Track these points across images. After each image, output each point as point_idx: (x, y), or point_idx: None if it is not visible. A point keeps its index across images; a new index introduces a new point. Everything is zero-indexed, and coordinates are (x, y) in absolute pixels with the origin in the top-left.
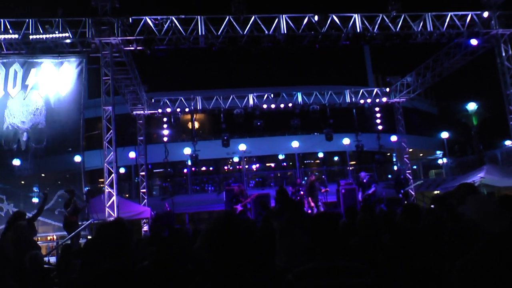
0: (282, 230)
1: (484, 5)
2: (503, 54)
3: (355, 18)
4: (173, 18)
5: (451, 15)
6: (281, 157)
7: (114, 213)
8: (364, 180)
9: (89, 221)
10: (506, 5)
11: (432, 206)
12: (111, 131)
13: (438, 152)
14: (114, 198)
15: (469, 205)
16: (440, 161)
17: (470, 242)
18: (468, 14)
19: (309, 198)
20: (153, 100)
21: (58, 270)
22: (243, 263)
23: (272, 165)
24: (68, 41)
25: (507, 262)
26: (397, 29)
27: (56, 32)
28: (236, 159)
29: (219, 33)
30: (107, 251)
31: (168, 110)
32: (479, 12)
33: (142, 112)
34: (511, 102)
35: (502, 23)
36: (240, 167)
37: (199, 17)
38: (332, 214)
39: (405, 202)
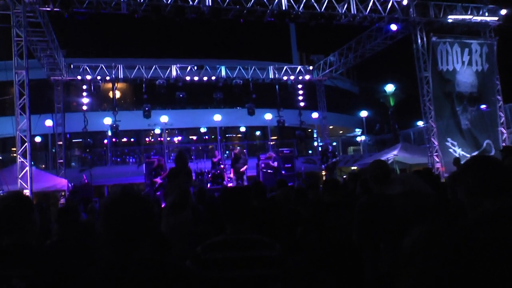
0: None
1: None
2: (419, 40)
3: None
4: None
5: (373, 0)
6: (203, 130)
7: (27, 185)
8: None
9: None
10: None
11: (342, 180)
12: (25, 96)
13: (357, 129)
14: (27, 168)
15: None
16: (358, 139)
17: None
18: (389, 1)
19: (232, 170)
20: (72, 66)
21: None
22: (140, 240)
23: (194, 138)
24: None
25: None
26: (322, 9)
27: None
28: (157, 131)
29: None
30: (4, 227)
31: (88, 77)
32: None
33: (60, 78)
34: (424, 85)
35: (418, 12)
36: (162, 139)
37: None
38: (241, 188)
39: (329, 176)
